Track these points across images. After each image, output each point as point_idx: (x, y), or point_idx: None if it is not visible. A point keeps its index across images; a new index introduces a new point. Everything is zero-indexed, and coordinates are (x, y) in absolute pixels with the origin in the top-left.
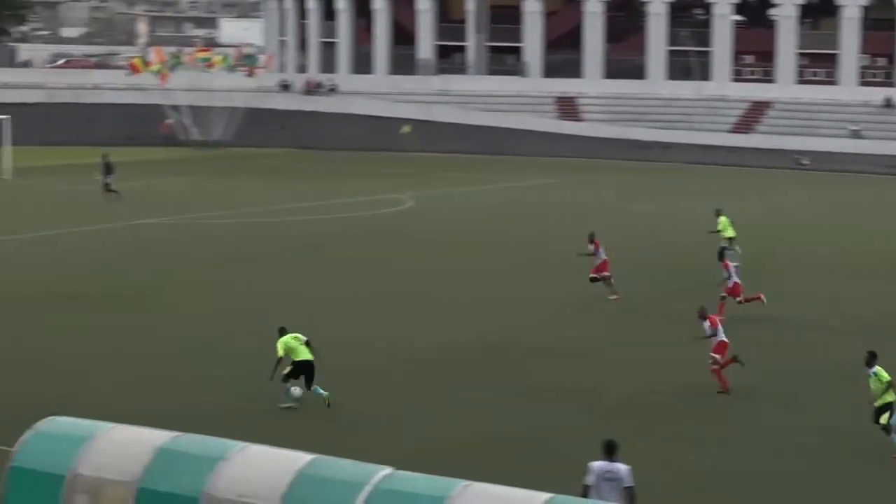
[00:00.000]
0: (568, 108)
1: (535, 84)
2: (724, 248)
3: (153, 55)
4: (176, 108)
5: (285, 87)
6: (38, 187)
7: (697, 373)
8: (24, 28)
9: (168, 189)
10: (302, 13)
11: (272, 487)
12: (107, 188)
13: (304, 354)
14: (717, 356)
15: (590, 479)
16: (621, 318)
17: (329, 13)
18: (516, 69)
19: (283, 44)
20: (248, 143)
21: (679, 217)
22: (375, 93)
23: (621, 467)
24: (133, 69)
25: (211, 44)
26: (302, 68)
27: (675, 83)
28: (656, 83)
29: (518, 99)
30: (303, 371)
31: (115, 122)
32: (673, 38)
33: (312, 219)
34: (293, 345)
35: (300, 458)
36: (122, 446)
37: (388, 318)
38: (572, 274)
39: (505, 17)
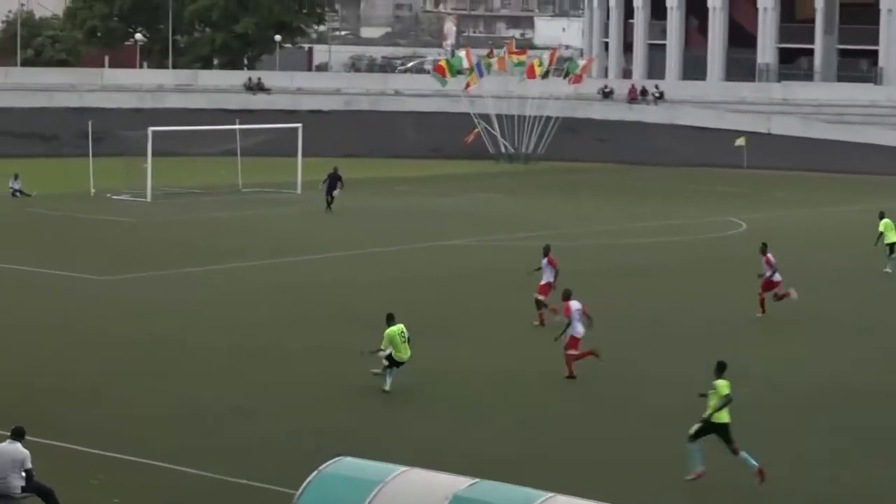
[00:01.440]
0: None
1: (892, 92)
2: (764, 244)
3: (463, 58)
4: (484, 116)
5: (606, 94)
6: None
7: None
8: (321, 28)
9: (475, 206)
10: (627, 11)
11: None
12: (329, 203)
13: (403, 353)
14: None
15: None
16: None
17: (658, 11)
18: (871, 75)
19: (605, 45)
20: (562, 156)
21: None
22: (707, 101)
23: None
24: (440, 73)
25: (525, 45)
26: (625, 73)
27: None
28: None
29: (872, 110)
30: (396, 367)
31: (417, 131)
32: None
33: (636, 242)
34: (396, 341)
35: None
36: (414, 492)
37: (746, 350)
38: None
39: (859, 16)
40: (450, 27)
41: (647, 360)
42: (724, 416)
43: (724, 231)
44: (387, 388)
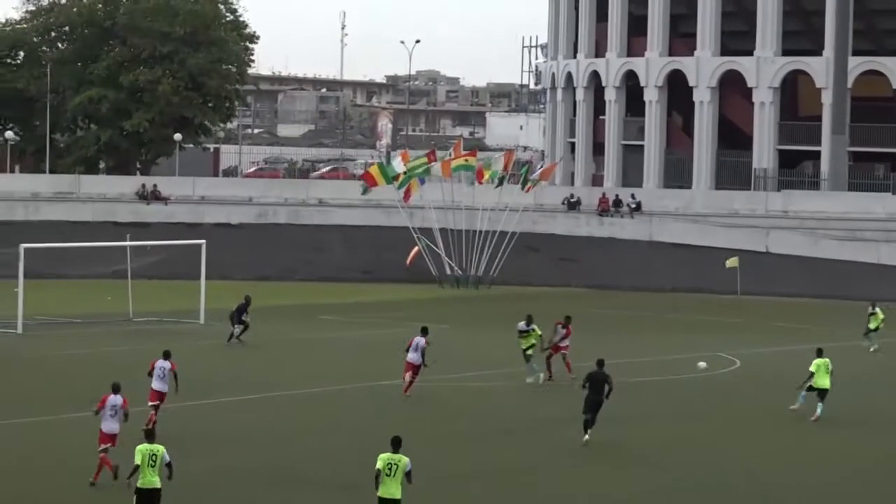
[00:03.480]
0: None
1: None
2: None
3: (398, 161)
4: (426, 231)
5: (572, 204)
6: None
7: None
8: (229, 125)
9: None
10: (598, 107)
11: None
12: (233, 334)
13: (148, 479)
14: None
15: None
16: None
17: (634, 107)
18: (888, 183)
19: (571, 147)
20: (520, 279)
21: None
22: (693, 213)
23: None
24: (368, 181)
25: (475, 146)
26: (595, 180)
27: None
28: None
29: (890, 224)
30: (145, 501)
31: (345, 249)
32: None
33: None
34: (144, 462)
35: None
36: None
37: None
38: None
39: (874, 113)
40: (385, 124)
41: None
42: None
43: (714, 369)
44: None
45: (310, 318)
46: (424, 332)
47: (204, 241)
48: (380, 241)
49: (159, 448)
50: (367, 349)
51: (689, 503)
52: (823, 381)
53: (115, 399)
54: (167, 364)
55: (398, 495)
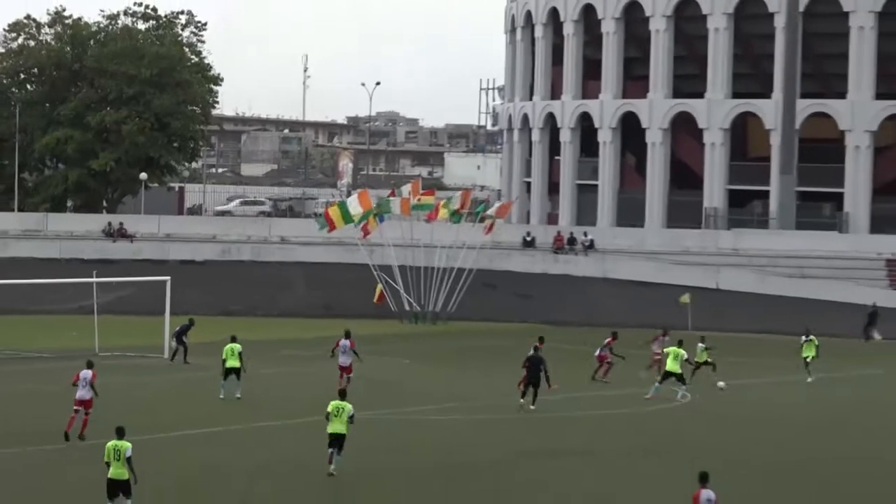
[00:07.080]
0: None
1: (860, 242)
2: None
3: (357, 201)
4: (385, 268)
5: (528, 242)
6: (199, 372)
7: None
8: (194, 165)
9: (374, 374)
10: (553, 147)
11: None
12: (179, 355)
13: (115, 470)
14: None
15: None
16: None
17: (588, 147)
18: (834, 222)
19: (526, 186)
20: (477, 315)
21: None
22: (646, 251)
23: None
24: (328, 220)
25: (433, 186)
26: (551, 218)
27: None
28: None
29: (836, 262)
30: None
31: (307, 285)
32: None
33: (559, 416)
34: (110, 456)
35: None
36: None
37: None
38: None
39: (820, 155)
40: (345, 164)
41: None
42: None
43: (667, 403)
44: None
45: (273, 352)
46: (347, 335)
47: (169, 277)
48: (340, 277)
49: (125, 444)
50: (326, 384)
51: None
52: (673, 367)
53: (86, 373)
54: (89, 373)
55: (343, 431)
